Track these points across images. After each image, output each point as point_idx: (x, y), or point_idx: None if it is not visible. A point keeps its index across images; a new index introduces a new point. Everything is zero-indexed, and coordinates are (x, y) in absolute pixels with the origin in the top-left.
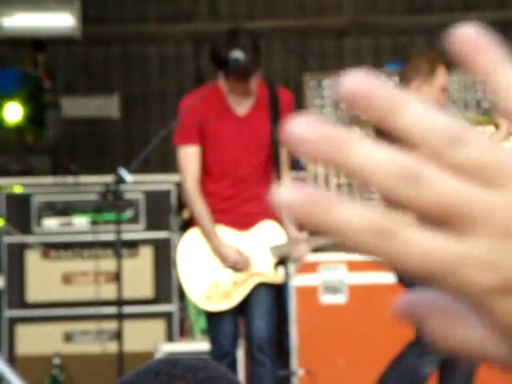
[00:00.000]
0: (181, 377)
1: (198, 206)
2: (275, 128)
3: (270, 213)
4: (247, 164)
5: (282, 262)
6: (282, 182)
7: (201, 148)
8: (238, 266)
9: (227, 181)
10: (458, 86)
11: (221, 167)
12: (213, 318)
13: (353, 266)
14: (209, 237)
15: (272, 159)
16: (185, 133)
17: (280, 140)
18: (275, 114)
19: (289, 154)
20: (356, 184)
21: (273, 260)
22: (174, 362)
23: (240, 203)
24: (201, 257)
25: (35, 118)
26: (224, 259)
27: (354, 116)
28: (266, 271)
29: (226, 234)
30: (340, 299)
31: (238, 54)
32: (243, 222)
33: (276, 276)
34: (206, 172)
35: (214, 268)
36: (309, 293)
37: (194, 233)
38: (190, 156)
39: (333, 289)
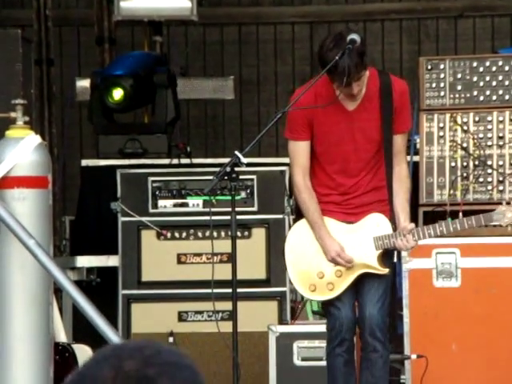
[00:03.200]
0: (129, 357)
1: (306, 197)
2: (387, 119)
3: (380, 205)
4: (357, 158)
5: (388, 252)
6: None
7: (311, 141)
8: (337, 261)
9: (338, 175)
10: None
11: (331, 162)
12: (329, 304)
13: (466, 251)
14: (315, 227)
15: (383, 150)
16: (294, 128)
17: (392, 131)
18: (387, 105)
19: (404, 142)
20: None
21: (377, 251)
22: (120, 346)
23: (350, 196)
24: (307, 248)
25: (150, 100)
26: (326, 251)
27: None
28: (370, 262)
29: (334, 226)
30: (453, 283)
31: (342, 60)
32: (353, 214)
33: (380, 268)
34: (318, 165)
35: (320, 259)
36: (422, 276)
37: (302, 224)
38: (299, 150)
39: (447, 273)
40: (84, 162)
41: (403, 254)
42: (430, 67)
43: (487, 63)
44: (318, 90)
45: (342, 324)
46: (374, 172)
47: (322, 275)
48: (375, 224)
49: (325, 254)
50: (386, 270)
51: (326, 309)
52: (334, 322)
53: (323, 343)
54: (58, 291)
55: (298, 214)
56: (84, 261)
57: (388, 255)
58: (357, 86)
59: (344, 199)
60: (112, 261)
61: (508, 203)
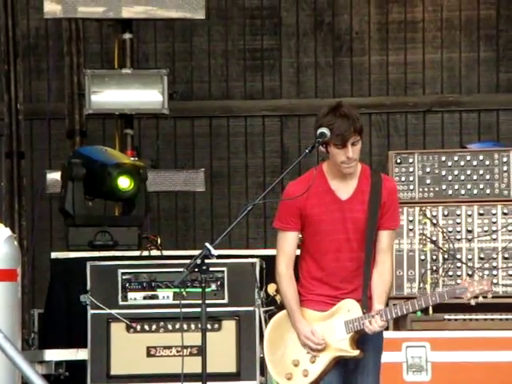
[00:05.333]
0: None
1: (285, 284)
2: (373, 214)
3: (355, 294)
4: (349, 248)
5: (360, 335)
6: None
7: (303, 232)
8: (308, 344)
9: (330, 264)
10: None
11: (323, 251)
12: None
13: (437, 345)
14: (290, 313)
15: (365, 244)
16: (284, 219)
17: (377, 225)
18: (375, 200)
19: (391, 240)
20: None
21: (347, 334)
22: None
23: (336, 286)
24: (285, 337)
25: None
26: (298, 335)
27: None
28: (342, 346)
29: (309, 314)
30: (424, 377)
31: (339, 120)
32: (333, 304)
33: (350, 350)
34: (310, 254)
35: (296, 347)
36: (393, 370)
37: (282, 314)
38: (287, 240)
39: (417, 367)
40: (54, 255)
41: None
42: (399, 161)
43: (455, 158)
44: (310, 181)
45: None
46: (358, 264)
47: (298, 363)
48: (346, 309)
49: (298, 338)
50: (356, 352)
51: None
52: None
53: None
54: None
55: (280, 308)
56: (53, 354)
57: (370, 339)
58: (352, 152)
59: (337, 292)
60: (81, 354)
61: (470, 276)
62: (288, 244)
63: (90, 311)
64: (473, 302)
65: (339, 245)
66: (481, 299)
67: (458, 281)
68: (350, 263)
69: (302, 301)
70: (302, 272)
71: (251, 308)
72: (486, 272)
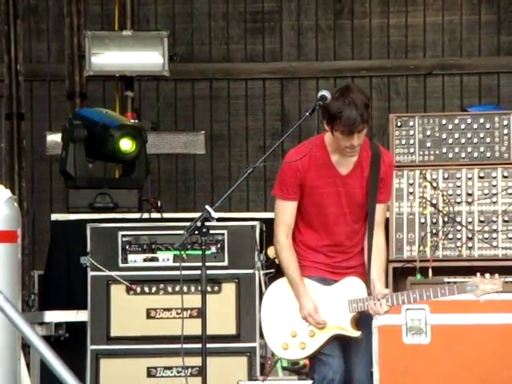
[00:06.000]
0: None
1: (287, 255)
2: (373, 188)
3: (360, 268)
4: (344, 222)
5: (364, 316)
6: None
7: (300, 202)
8: (309, 320)
9: (324, 235)
10: None
11: (320, 223)
12: (320, 354)
13: (436, 307)
14: (293, 285)
15: (367, 218)
16: (285, 188)
17: (376, 200)
18: (375, 175)
19: (384, 213)
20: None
21: (350, 314)
22: None
23: (333, 258)
24: (283, 306)
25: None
26: (300, 309)
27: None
28: (343, 325)
29: (312, 287)
30: (423, 340)
31: (348, 110)
32: (334, 274)
33: (352, 330)
34: (306, 225)
35: (295, 318)
36: (392, 333)
37: (281, 281)
38: (286, 210)
39: (416, 329)
40: (54, 217)
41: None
42: (399, 124)
43: (456, 121)
44: (312, 152)
45: (337, 373)
46: (359, 237)
47: (295, 334)
48: (351, 287)
49: (299, 310)
50: (358, 333)
51: (316, 358)
52: (327, 371)
53: None
54: (26, 346)
55: (279, 270)
56: (53, 316)
57: (364, 319)
58: (357, 139)
59: (331, 260)
60: (81, 316)
61: (482, 275)
62: (287, 214)
63: (90, 273)
64: (482, 299)
65: (336, 218)
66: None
67: (458, 243)
68: (345, 236)
69: (307, 267)
70: (296, 239)
71: (251, 271)
72: (486, 235)
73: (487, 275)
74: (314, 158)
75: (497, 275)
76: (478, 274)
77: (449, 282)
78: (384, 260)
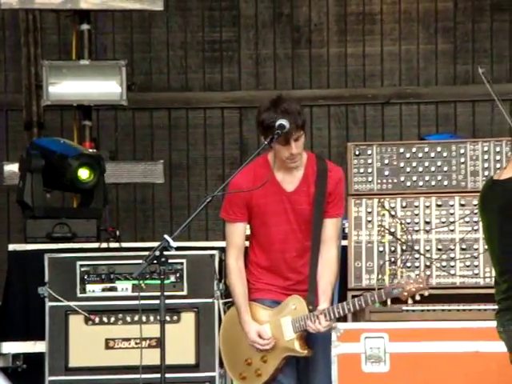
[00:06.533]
0: None
1: (234, 279)
2: (319, 204)
3: (304, 285)
4: (295, 239)
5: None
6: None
7: (250, 222)
8: (256, 346)
9: (275, 254)
10: None
11: (269, 242)
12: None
13: (395, 335)
14: (239, 311)
15: (311, 234)
16: (231, 209)
17: (323, 216)
18: (321, 190)
19: (335, 227)
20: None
21: (295, 334)
22: None
23: (287, 280)
24: (238, 334)
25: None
26: (246, 335)
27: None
28: (290, 345)
29: (259, 311)
30: (382, 368)
31: (282, 120)
32: (287, 296)
33: (299, 350)
34: (257, 244)
35: (248, 345)
36: (351, 361)
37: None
38: (235, 231)
39: (375, 357)
40: (11, 247)
41: (332, 338)
42: (357, 153)
43: (414, 149)
44: (256, 171)
45: None
46: (304, 254)
47: (250, 362)
48: (292, 307)
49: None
50: (305, 352)
51: None
52: None
53: None
54: None
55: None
56: (10, 347)
57: (317, 334)
58: (295, 147)
59: (285, 283)
60: (39, 347)
61: (408, 275)
62: (236, 235)
63: (48, 303)
64: (410, 301)
65: (285, 236)
66: (437, 291)
67: (416, 272)
68: (296, 254)
69: (251, 289)
70: (251, 260)
71: (210, 300)
72: (444, 263)
73: (412, 274)
74: (259, 176)
75: (422, 273)
76: (404, 276)
77: (407, 310)
78: (334, 275)
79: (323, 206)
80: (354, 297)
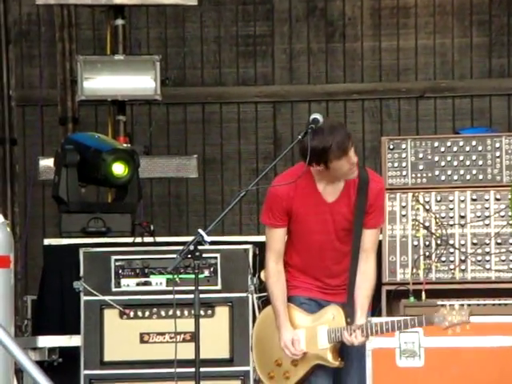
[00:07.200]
0: None
1: (272, 282)
2: (359, 214)
3: (340, 288)
4: (332, 248)
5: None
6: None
7: (288, 227)
8: (286, 352)
9: (311, 261)
10: None
11: (306, 249)
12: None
13: (429, 330)
14: (276, 314)
15: (351, 244)
16: (272, 215)
17: (363, 226)
18: (362, 201)
19: (374, 238)
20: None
21: (329, 344)
22: None
23: (320, 280)
24: (272, 334)
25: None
26: (279, 338)
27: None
28: (323, 354)
29: (296, 316)
30: (417, 363)
31: (331, 138)
32: (323, 294)
33: (331, 361)
34: (294, 249)
35: (279, 347)
36: (385, 356)
37: (271, 308)
38: (275, 236)
39: (410, 352)
40: (47, 241)
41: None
42: (392, 147)
43: (448, 143)
44: (299, 180)
45: None
46: (348, 260)
47: (280, 363)
48: (331, 316)
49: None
50: (336, 363)
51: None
52: None
53: None
54: (19, 372)
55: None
56: (46, 341)
57: (351, 349)
58: (353, 156)
59: (320, 283)
60: (74, 341)
61: (451, 305)
62: (276, 240)
63: (83, 298)
64: (450, 332)
65: (322, 245)
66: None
67: (451, 266)
68: (333, 261)
69: (288, 286)
70: (288, 261)
71: (244, 294)
72: (479, 257)
73: (456, 305)
74: (300, 186)
75: (465, 306)
76: (447, 305)
77: (442, 305)
78: (371, 287)
79: (363, 217)
80: (388, 292)
